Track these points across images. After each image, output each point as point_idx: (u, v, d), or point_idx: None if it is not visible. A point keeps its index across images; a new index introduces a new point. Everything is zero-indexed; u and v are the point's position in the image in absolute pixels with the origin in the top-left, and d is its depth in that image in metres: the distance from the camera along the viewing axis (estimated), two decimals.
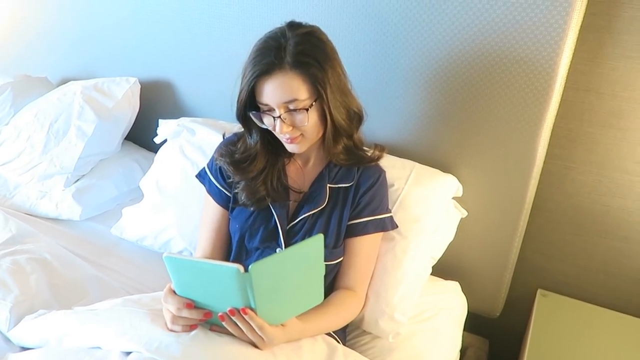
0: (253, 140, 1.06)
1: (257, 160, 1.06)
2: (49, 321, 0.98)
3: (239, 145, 1.09)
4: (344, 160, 1.08)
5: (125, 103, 1.63)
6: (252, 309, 0.81)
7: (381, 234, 1.11)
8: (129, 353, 0.86)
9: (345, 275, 1.07)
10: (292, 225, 1.06)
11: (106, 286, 1.21)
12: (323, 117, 1.00)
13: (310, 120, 0.97)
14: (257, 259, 1.03)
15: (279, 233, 1.05)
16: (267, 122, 1.00)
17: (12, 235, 1.27)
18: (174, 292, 0.85)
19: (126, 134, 1.69)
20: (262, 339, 0.83)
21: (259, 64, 0.94)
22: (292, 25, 0.98)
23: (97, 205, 1.55)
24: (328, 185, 1.08)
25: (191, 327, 0.87)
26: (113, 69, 1.77)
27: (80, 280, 1.19)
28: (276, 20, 1.01)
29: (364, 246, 1.08)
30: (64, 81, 1.86)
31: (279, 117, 0.96)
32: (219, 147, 1.12)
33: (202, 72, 1.59)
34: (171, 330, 0.87)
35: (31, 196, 1.54)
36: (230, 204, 1.11)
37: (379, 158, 1.11)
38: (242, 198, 1.06)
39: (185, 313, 0.85)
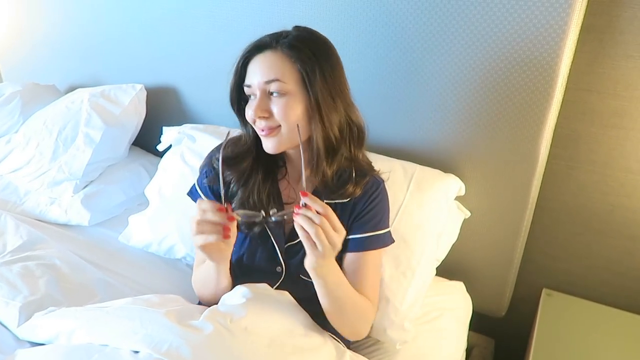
0: (247, 131, 1.01)
1: (247, 155, 1.00)
2: (59, 317, 0.97)
3: (229, 145, 1.04)
4: (332, 184, 0.99)
5: (131, 110, 1.66)
6: None
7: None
8: (138, 351, 0.85)
9: (357, 289, 1.01)
10: (291, 245, 1.02)
11: (114, 290, 1.22)
12: (309, 118, 0.93)
13: (289, 110, 0.90)
14: (258, 279, 1.00)
15: (277, 253, 1.02)
16: (247, 111, 0.94)
17: (23, 241, 1.29)
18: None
19: (133, 139, 1.72)
20: (326, 243, 0.80)
21: (254, 43, 0.94)
22: (300, 26, 0.97)
23: (106, 211, 1.57)
24: (325, 202, 1.02)
25: (225, 235, 0.83)
26: (119, 76, 1.79)
27: (88, 284, 1.21)
28: (282, 28, 1.00)
29: (369, 260, 1.03)
30: (72, 89, 1.89)
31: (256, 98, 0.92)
32: (209, 154, 1.09)
33: (207, 78, 1.61)
34: (196, 238, 0.84)
35: (41, 202, 1.57)
36: None
37: (350, 194, 1.01)
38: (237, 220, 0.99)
39: (211, 215, 0.82)
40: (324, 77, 0.92)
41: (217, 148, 1.09)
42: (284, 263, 1.02)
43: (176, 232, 1.35)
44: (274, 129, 0.93)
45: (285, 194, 1.04)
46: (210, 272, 0.99)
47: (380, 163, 1.23)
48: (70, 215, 1.52)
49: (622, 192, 1.32)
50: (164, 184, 1.43)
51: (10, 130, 1.77)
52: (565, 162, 1.35)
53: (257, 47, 0.93)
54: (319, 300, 1.04)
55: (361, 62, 1.32)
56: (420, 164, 1.31)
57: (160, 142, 1.55)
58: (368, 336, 1.18)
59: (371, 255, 1.03)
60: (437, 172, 1.29)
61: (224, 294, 1.01)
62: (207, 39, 1.54)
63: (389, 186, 1.11)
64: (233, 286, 1.00)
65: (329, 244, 0.80)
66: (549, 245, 1.46)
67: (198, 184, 1.09)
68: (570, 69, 1.17)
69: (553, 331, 1.29)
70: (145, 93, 1.69)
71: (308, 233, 0.80)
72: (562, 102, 1.23)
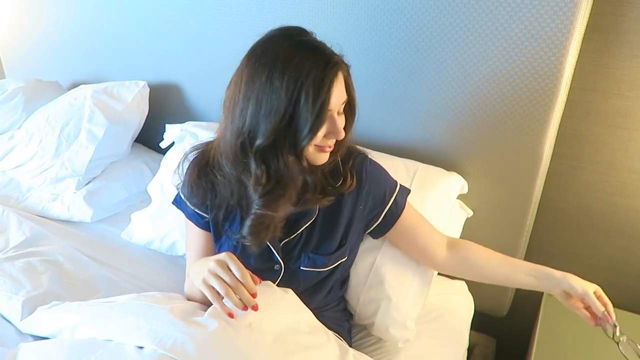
0: (290, 158, 0.89)
1: (291, 186, 0.93)
2: (63, 312, 0.97)
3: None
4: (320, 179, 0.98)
5: (134, 106, 1.66)
6: None
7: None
8: (142, 347, 0.85)
9: (430, 244, 1.09)
10: (287, 241, 1.01)
11: (116, 286, 1.23)
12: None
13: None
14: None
15: (272, 252, 1.00)
16: (327, 132, 0.91)
17: (26, 237, 1.29)
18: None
19: (136, 136, 1.72)
20: None
21: (331, 59, 0.85)
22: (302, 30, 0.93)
23: (108, 207, 1.57)
24: (330, 199, 1.00)
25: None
26: (122, 73, 1.79)
27: (91, 281, 1.21)
28: (285, 24, 0.99)
29: (411, 216, 1.08)
30: (75, 85, 1.89)
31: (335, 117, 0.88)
32: (191, 170, 1.00)
33: (210, 75, 1.61)
34: (205, 284, 0.84)
35: (43, 199, 1.57)
36: (212, 230, 1.03)
37: (350, 187, 1.01)
38: (248, 245, 0.96)
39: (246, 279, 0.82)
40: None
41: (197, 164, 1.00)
42: (282, 260, 1.01)
43: (178, 229, 1.36)
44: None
45: None
46: None
47: (382, 161, 1.23)
48: (72, 212, 1.52)
49: (626, 192, 1.32)
50: (166, 182, 1.43)
51: (13, 127, 1.77)
52: (568, 161, 1.35)
53: (335, 64, 0.86)
54: (321, 291, 1.05)
55: (364, 60, 1.32)
56: (422, 162, 1.30)
57: (162, 139, 1.54)
58: (370, 334, 1.18)
59: (407, 211, 1.07)
60: (439, 171, 1.29)
61: None
62: (210, 36, 1.54)
63: None
64: None
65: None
66: (552, 245, 1.46)
67: (183, 194, 1.03)
68: (575, 69, 1.17)
69: (555, 331, 1.29)
70: (148, 90, 1.69)
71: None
72: (567, 101, 1.22)
